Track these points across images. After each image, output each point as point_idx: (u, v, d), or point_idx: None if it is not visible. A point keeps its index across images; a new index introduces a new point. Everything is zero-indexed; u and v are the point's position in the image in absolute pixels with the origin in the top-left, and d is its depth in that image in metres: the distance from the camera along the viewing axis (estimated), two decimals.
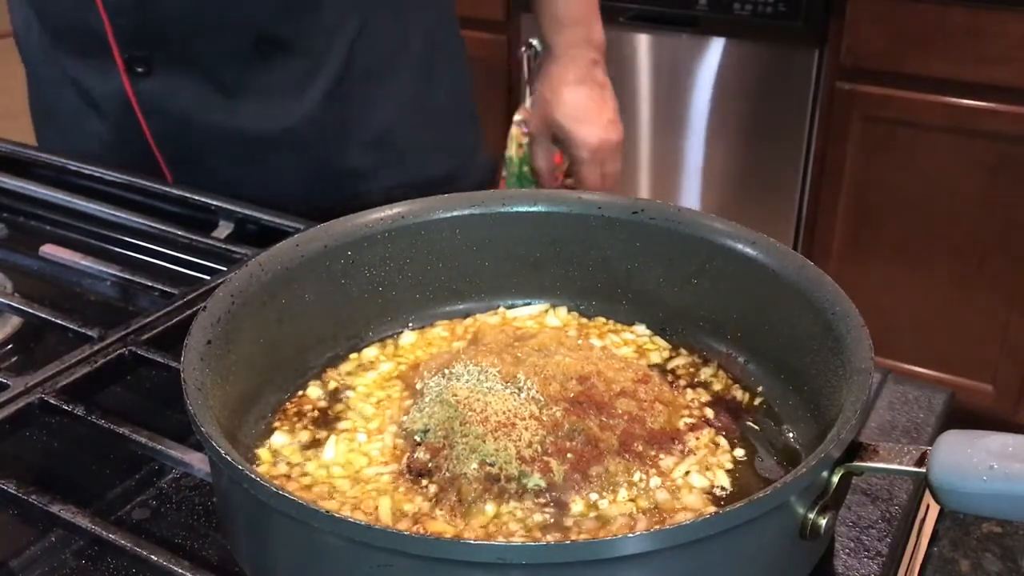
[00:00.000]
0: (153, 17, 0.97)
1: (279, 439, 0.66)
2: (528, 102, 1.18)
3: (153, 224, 0.98)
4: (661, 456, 0.63)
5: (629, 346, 0.77)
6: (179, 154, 1.06)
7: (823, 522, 0.53)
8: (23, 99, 1.21)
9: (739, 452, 0.65)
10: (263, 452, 0.65)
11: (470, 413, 0.62)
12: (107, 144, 1.08)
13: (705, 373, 0.73)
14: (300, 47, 1.02)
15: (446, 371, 0.67)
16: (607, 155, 1.09)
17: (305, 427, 0.68)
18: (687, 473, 0.62)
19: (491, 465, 0.59)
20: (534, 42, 1.20)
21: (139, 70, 1.00)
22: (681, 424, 0.66)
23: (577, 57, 1.08)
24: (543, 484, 0.59)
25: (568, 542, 0.52)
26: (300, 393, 0.71)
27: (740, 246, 0.73)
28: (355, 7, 1.03)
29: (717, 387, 0.72)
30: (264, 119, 1.03)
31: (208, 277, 0.89)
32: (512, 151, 1.26)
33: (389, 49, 1.07)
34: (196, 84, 1.01)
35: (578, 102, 1.08)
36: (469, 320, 0.79)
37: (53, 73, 1.07)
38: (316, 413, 0.69)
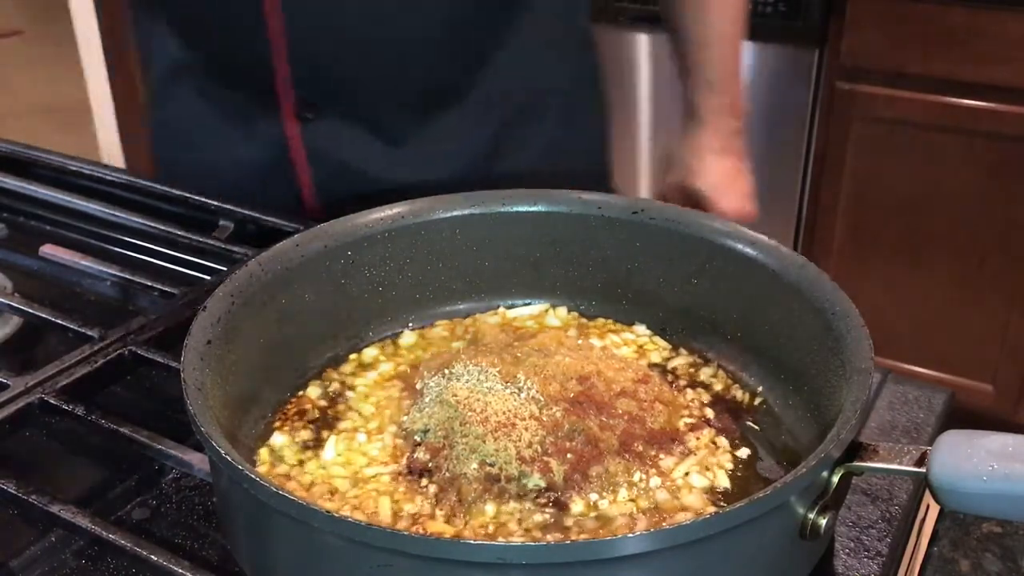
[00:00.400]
0: (335, 67, 0.95)
1: (279, 439, 0.66)
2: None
3: (153, 224, 0.98)
4: (661, 456, 0.63)
5: (629, 346, 0.77)
6: (328, 196, 1.03)
7: (823, 522, 0.53)
8: (24, 99, 1.20)
9: (739, 452, 0.65)
10: (263, 452, 0.65)
11: (470, 413, 0.62)
12: (248, 180, 1.04)
13: (705, 373, 0.73)
14: (466, 97, 1.00)
15: (446, 371, 0.67)
16: None
17: (305, 427, 0.68)
18: (687, 473, 0.62)
19: (491, 465, 0.59)
20: None
21: (308, 116, 0.97)
22: (681, 424, 0.66)
23: (722, 125, 1.04)
24: (543, 484, 0.59)
25: (568, 542, 0.52)
26: (300, 393, 0.71)
27: (740, 246, 0.73)
28: (520, 58, 1.00)
29: (717, 387, 0.72)
30: (423, 169, 1.00)
31: (208, 277, 0.89)
32: None
33: (547, 99, 1.05)
34: (360, 132, 0.99)
35: (722, 172, 1.03)
36: (469, 320, 0.79)
37: (196, 104, 1.04)
38: (316, 413, 0.69)
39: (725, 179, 1.02)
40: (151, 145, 1.14)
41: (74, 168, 1.10)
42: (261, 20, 0.91)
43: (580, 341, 0.75)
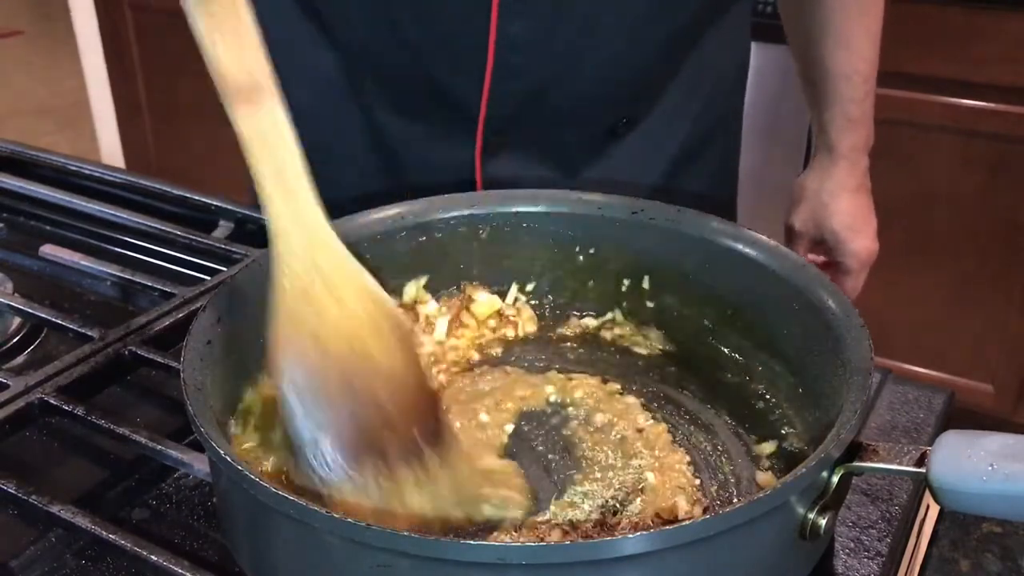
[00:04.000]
0: (536, 105, 0.92)
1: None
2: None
3: (153, 224, 0.98)
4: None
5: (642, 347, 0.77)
6: None
7: (823, 522, 0.53)
8: (24, 99, 1.19)
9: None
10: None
11: None
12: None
13: (705, 373, 0.73)
14: (640, 126, 0.97)
15: None
16: (868, 267, 1.02)
17: None
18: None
19: None
20: None
21: (496, 151, 0.95)
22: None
23: (858, 161, 0.99)
24: None
25: (568, 542, 0.52)
26: None
27: (740, 246, 0.73)
28: (692, 87, 0.99)
29: (716, 386, 0.72)
30: None
31: (208, 277, 0.89)
32: None
33: (716, 130, 1.03)
34: (541, 164, 0.97)
35: (856, 210, 0.99)
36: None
37: (355, 130, 0.98)
38: None
39: (858, 219, 0.99)
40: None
41: (74, 168, 1.10)
42: (484, 50, 0.87)
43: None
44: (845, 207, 0.98)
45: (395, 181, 0.98)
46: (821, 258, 1.02)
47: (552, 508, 0.60)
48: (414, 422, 0.58)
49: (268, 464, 0.61)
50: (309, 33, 0.95)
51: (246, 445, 0.63)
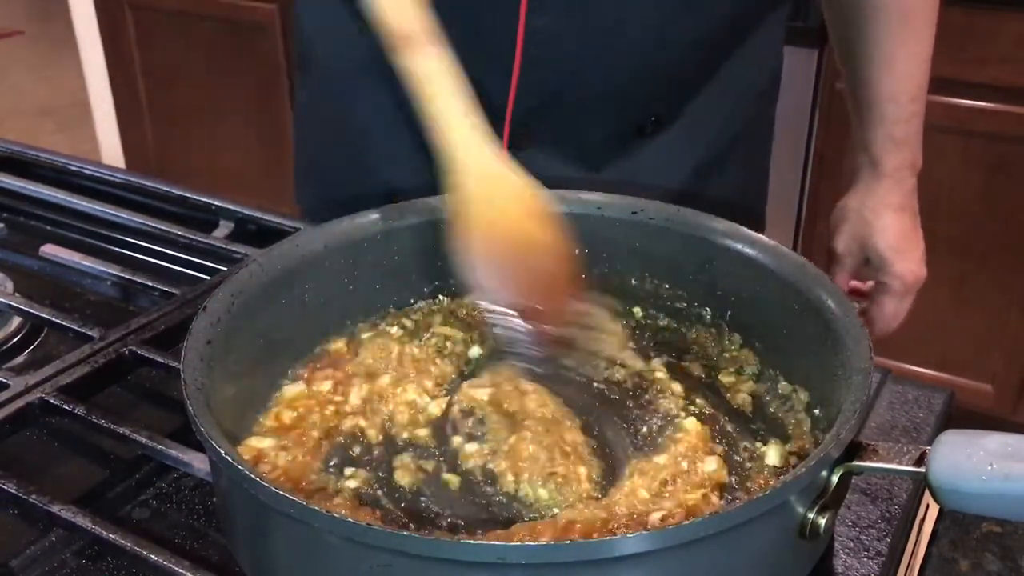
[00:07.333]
0: (562, 99, 0.92)
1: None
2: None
3: (153, 224, 0.98)
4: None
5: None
6: None
7: (823, 522, 0.53)
8: (24, 99, 1.18)
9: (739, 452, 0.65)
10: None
11: None
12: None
13: (705, 373, 0.73)
14: (670, 127, 0.97)
15: None
16: (913, 291, 0.98)
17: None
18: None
19: None
20: None
21: (522, 145, 0.93)
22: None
23: (903, 180, 0.97)
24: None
25: (568, 542, 0.52)
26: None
27: (740, 246, 0.73)
28: (731, 91, 0.98)
29: (717, 387, 0.72)
30: (621, 192, 0.94)
31: (208, 277, 0.89)
32: None
33: (741, 134, 1.02)
34: (567, 161, 0.96)
35: (901, 231, 0.97)
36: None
37: (388, 119, 0.97)
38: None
39: (903, 240, 0.97)
40: (304, 157, 1.08)
41: (74, 168, 1.10)
42: (513, 42, 0.87)
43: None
44: (889, 225, 0.96)
45: (425, 170, 0.98)
46: (868, 283, 1.00)
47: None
48: (564, 291, 0.72)
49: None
50: (345, 19, 0.95)
51: (249, 444, 0.63)
